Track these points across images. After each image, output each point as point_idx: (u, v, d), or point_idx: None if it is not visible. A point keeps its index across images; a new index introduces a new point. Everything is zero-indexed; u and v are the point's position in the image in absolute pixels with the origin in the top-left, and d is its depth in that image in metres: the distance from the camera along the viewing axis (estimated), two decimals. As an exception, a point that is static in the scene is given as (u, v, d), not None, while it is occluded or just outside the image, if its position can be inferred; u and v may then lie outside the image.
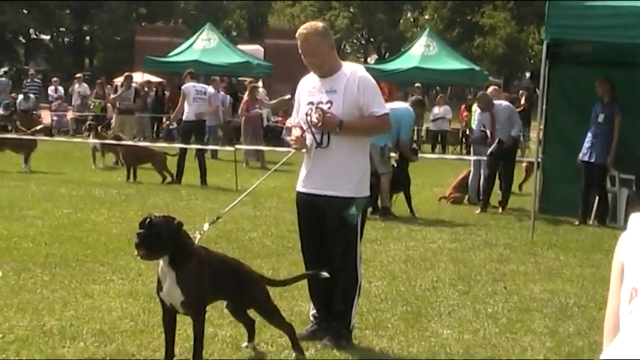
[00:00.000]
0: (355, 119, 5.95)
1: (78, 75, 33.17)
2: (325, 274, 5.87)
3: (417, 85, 27.70)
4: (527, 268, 9.27)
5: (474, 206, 14.38)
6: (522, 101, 25.00)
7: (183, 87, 16.39)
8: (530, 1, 52.81)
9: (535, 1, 47.76)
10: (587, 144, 12.50)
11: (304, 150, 6.13)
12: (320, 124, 5.91)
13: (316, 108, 5.94)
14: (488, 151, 13.83)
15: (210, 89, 17.21)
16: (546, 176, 13.84)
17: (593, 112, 12.45)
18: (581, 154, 12.55)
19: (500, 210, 13.72)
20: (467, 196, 14.97)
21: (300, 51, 6.03)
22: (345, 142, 5.98)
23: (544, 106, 13.13)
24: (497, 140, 13.66)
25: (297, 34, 6.03)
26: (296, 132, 6.20)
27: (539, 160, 12.43)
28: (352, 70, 6.06)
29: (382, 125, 6.19)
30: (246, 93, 22.20)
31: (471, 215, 13.28)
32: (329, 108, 5.94)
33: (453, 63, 27.36)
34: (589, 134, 12.46)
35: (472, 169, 14.97)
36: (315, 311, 6.39)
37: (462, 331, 6.63)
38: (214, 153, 21.29)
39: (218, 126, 23.10)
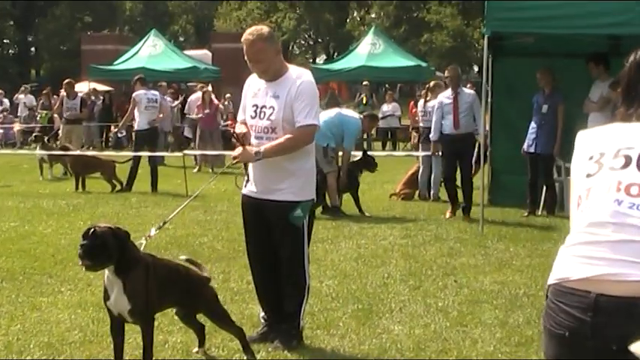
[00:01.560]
0: (274, 145, 5.89)
1: (23, 87, 32.79)
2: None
3: (364, 83, 27.82)
4: (477, 261, 9.33)
5: (425, 201, 14.46)
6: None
7: (134, 94, 16.22)
8: (475, -5, 53.38)
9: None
10: (531, 135, 12.62)
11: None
12: (238, 160, 5.99)
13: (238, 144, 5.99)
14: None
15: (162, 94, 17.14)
16: (494, 168, 13.95)
17: (534, 102, 12.57)
18: (525, 146, 12.67)
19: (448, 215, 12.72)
20: (417, 192, 15.03)
21: (245, 56, 5.99)
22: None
23: (489, 99, 13.22)
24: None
25: (242, 39, 5.96)
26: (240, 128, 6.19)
27: (487, 152, 12.54)
28: (297, 76, 6.01)
29: (303, 137, 6.00)
30: (196, 96, 22.14)
31: (421, 211, 13.32)
32: (270, 114, 5.95)
33: (400, 60, 27.45)
34: (532, 125, 12.58)
35: (421, 165, 15.02)
36: (264, 313, 6.39)
37: (413, 326, 6.65)
38: (162, 159, 21.15)
39: (168, 132, 22.98)
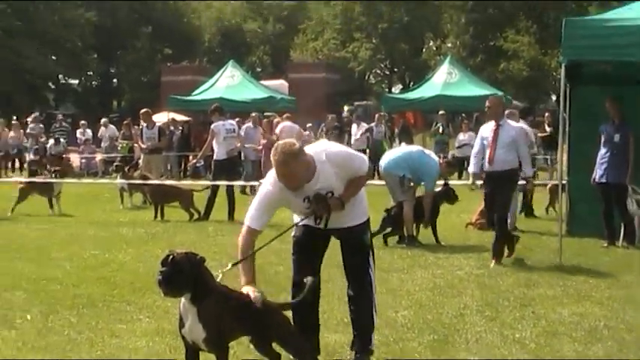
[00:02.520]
0: (347, 189, 6.11)
1: (104, 119, 33.48)
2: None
3: (440, 112, 27.73)
4: (555, 292, 9.19)
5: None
6: (546, 126, 24.94)
7: (212, 126, 16.41)
8: (553, 23, 52.76)
9: (557, 22, 47.76)
10: (601, 165, 12.49)
11: None
12: (327, 216, 6.13)
13: (316, 203, 6.05)
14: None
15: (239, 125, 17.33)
16: (572, 198, 13.75)
17: (603, 132, 12.46)
18: (597, 176, 12.54)
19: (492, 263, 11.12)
20: (494, 222, 14.86)
21: (277, 174, 5.89)
22: None
23: (567, 128, 13.06)
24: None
25: (273, 158, 5.83)
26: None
27: (565, 181, 12.36)
28: (328, 159, 5.98)
29: (366, 178, 6.39)
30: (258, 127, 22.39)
31: (498, 240, 13.16)
32: (331, 195, 6.07)
33: (475, 89, 27.33)
34: (602, 155, 12.47)
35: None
36: None
37: (490, 357, 6.58)
38: (243, 188, 21.34)
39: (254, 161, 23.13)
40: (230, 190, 16.14)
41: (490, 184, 11.28)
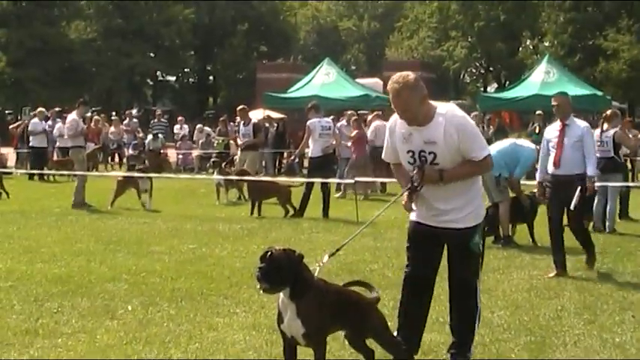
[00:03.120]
0: (456, 168, 5.94)
1: (198, 125, 34.01)
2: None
3: (538, 112, 27.33)
4: (656, 297, 9.00)
5: (600, 233, 14.03)
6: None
7: (308, 123, 16.50)
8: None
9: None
10: None
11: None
12: (421, 184, 5.96)
13: (417, 169, 5.97)
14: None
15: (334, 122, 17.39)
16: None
17: None
18: None
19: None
20: (592, 223, 14.61)
21: (391, 104, 5.99)
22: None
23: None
24: None
25: (388, 87, 5.98)
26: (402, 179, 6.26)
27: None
28: (447, 116, 5.92)
29: (483, 168, 6.18)
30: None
31: (596, 243, 12.89)
32: (433, 159, 5.94)
33: (574, 89, 26.83)
34: None
35: (597, 196, 14.60)
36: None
37: (588, 361, 6.49)
38: (338, 186, 21.41)
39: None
40: (325, 187, 16.22)
41: (557, 189, 10.35)
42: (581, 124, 10.58)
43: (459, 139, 5.86)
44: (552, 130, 10.61)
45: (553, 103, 10.57)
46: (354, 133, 21.09)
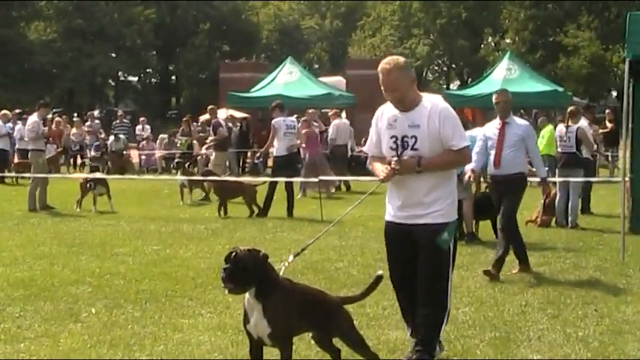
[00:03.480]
0: (434, 156, 6.03)
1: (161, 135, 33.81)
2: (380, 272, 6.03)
3: (500, 108, 27.47)
4: (618, 290, 9.09)
5: (562, 228, 14.18)
6: (607, 122, 24.65)
7: (273, 122, 16.44)
8: (615, 19, 52.01)
9: (619, 18, 47.08)
10: None
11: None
12: (398, 169, 6.01)
13: (392, 159, 6.06)
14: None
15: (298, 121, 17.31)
16: (635, 195, 13.56)
17: None
18: None
19: None
20: (554, 219, 14.74)
21: (381, 85, 6.10)
22: (430, 173, 6.06)
23: (630, 125, 12.86)
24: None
25: (379, 69, 6.09)
26: (380, 166, 6.23)
27: (627, 179, 12.21)
28: (433, 103, 6.11)
29: (461, 159, 6.27)
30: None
31: (559, 238, 13.07)
32: (414, 143, 6.03)
33: (536, 85, 27.06)
34: None
35: (558, 191, 14.75)
36: (410, 331, 6.45)
37: (553, 355, 6.54)
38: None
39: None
40: (289, 186, 16.20)
41: (498, 189, 10.26)
42: (522, 122, 10.41)
43: (440, 125, 5.99)
44: (491, 129, 10.31)
45: (494, 100, 10.23)
46: (303, 132, 20.96)
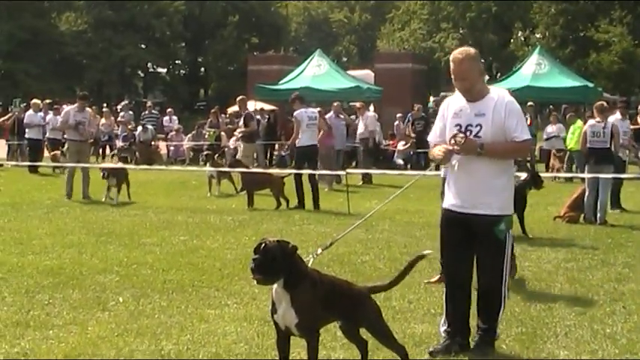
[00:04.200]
0: (497, 143, 6.22)
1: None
2: (427, 252, 6.22)
3: (529, 104, 27.34)
4: (647, 287, 9.02)
5: (591, 225, 14.08)
6: (639, 118, 24.43)
7: (295, 114, 16.48)
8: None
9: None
10: None
11: (446, 164, 6.51)
12: (460, 148, 6.21)
13: (459, 133, 6.25)
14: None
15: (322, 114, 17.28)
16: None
17: None
18: None
19: None
20: (583, 215, 14.65)
21: (452, 74, 6.35)
22: (490, 162, 6.26)
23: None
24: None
25: (451, 58, 6.39)
26: (439, 147, 6.43)
27: None
28: (500, 95, 6.38)
29: (522, 150, 6.61)
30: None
31: (587, 234, 12.99)
32: (478, 131, 6.24)
33: (566, 80, 26.92)
34: None
35: (587, 187, 14.66)
36: (446, 326, 6.57)
37: (580, 352, 6.51)
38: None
39: (339, 150, 23.14)
40: (313, 178, 16.20)
41: None
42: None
43: (506, 116, 6.22)
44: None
45: None
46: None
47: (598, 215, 14.39)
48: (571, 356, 6.38)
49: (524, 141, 6.29)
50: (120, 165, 20.49)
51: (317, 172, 16.73)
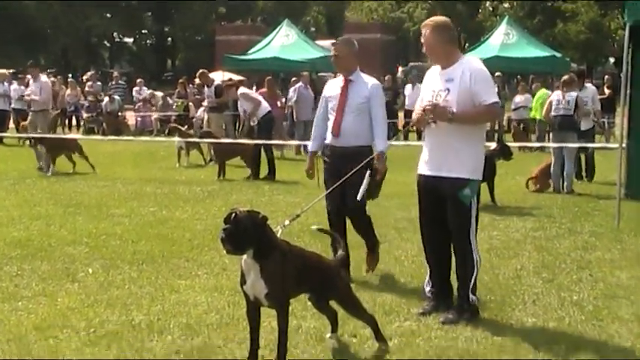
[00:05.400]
0: (466, 109, 6.35)
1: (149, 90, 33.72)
2: (315, 226, 6.49)
3: (497, 74, 27.40)
4: (613, 255, 9.12)
5: (558, 194, 14.19)
6: (605, 89, 24.63)
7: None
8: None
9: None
10: None
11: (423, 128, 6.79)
12: (432, 115, 6.41)
13: (428, 103, 6.47)
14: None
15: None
16: (631, 161, 13.55)
17: None
18: None
19: None
20: (552, 185, 14.76)
21: (423, 46, 6.69)
22: (460, 128, 6.40)
23: (628, 91, 12.82)
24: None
25: (421, 27, 6.73)
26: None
27: (624, 145, 12.22)
28: (469, 62, 6.59)
29: (491, 114, 6.76)
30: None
31: (554, 203, 13.10)
32: (446, 95, 6.42)
33: (534, 50, 26.93)
34: None
35: (553, 156, 14.74)
36: (430, 286, 6.83)
37: (547, 319, 6.58)
38: (298, 148, 21.45)
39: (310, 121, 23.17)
40: (269, 149, 16.37)
41: (334, 165, 7.99)
42: (370, 80, 7.99)
43: (472, 81, 6.37)
44: (332, 88, 8.10)
45: (333, 52, 8.03)
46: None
47: (564, 184, 14.50)
48: (539, 323, 6.45)
49: (492, 104, 6.41)
50: (64, 136, 20.30)
51: (283, 143, 16.75)
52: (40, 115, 17.85)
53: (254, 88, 24.48)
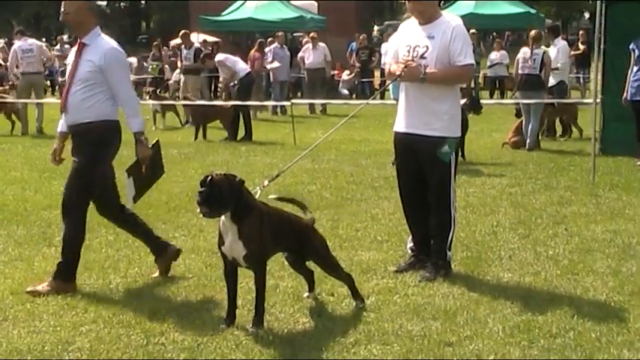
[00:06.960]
0: (438, 70, 6.33)
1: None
2: (272, 196, 6.05)
3: (472, 31, 27.34)
4: (588, 210, 9.19)
5: (533, 150, 14.20)
6: (580, 44, 24.65)
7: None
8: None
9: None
10: (635, 82, 12.37)
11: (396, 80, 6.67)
12: (402, 74, 6.38)
13: (406, 59, 6.43)
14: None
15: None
16: (606, 116, 13.61)
17: (635, 50, 12.32)
18: (629, 94, 12.43)
19: None
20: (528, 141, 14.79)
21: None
22: (434, 87, 6.40)
23: (602, 46, 12.82)
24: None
25: None
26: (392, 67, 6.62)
27: (599, 101, 12.27)
28: (451, 19, 6.52)
29: (464, 76, 6.78)
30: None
31: (530, 159, 13.16)
32: (424, 52, 6.38)
33: (509, 7, 26.94)
34: (635, 73, 12.33)
35: (524, 113, 14.73)
36: (412, 244, 6.85)
37: (523, 274, 6.63)
38: (275, 109, 21.41)
39: (284, 82, 23.11)
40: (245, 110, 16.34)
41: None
42: (107, 44, 6.70)
43: (452, 39, 6.34)
44: (73, 53, 6.71)
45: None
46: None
47: (527, 141, 14.39)
48: (515, 278, 6.50)
49: (466, 65, 6.40)
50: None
51: (263, 104, 16.73)
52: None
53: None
